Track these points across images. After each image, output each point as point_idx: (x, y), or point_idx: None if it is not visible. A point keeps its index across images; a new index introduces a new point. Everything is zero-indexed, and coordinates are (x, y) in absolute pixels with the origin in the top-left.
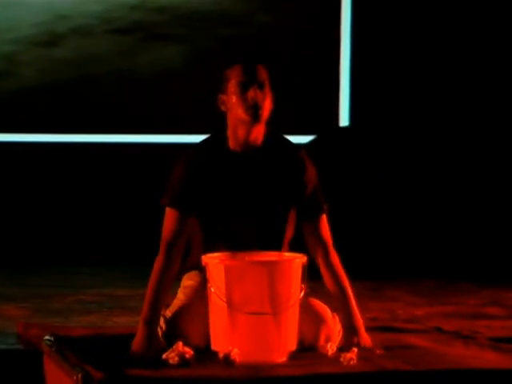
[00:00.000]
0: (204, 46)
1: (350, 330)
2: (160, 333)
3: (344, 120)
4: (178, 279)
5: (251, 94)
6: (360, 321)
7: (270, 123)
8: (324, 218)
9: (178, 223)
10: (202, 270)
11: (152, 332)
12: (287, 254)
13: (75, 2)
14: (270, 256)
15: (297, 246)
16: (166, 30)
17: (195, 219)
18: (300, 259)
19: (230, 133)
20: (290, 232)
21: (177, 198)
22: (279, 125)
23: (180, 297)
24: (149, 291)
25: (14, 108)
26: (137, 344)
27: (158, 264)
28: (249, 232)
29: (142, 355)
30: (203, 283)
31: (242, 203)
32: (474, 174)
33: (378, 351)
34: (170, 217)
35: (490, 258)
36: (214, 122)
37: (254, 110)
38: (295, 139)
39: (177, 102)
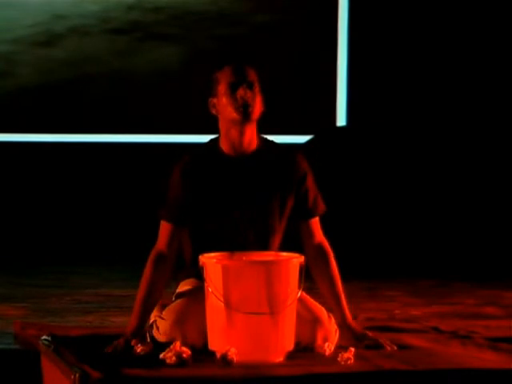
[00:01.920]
0: (201, 46)
1: (347, 329)
2: (157, 333)
3: (341, 120)
4: (176, 285)
5: (241, 92)
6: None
7: (268, 124)
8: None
9: (172, 235)
10: (198, 277)
11: (129, 340)
12: (284, 254)
13: (73, 2)
14: (267, 256)
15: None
16: (163, 30)
17: (190, 228)
18: (297, 259)
19: (222, 136)
20: (279, 236)
21: (171, 212)
22: (277, 125)
23: (177, 299)
24: (136, 303)
25: (11, 108)
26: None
27: (147, 272)
28: (246, 234)
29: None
30: (200, 287)
31: (238, 207)
32: (471, 174)
33: (388, 346)
34: (164, 229)
35: (487, 258)
36: (210, 123)
37: (243, 109)
38: (292, 139)
39: (174, 102)
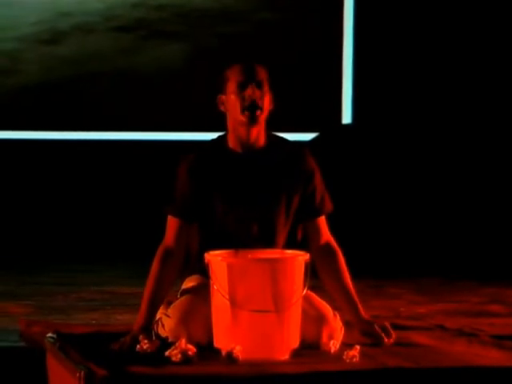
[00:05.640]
0: (206, 43)
1: (366, 324)
2: (162, 331)
3: (346, 117)
4: (181, 281)
5: (249, 92)
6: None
7: (273, 122)
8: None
9: (180, 231)
10: (203, 274)
11: (136, 338)
12: (290, 252)
13: None
14: (272, 254)
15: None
16: (167, 28)
17: (196, 224)
18: (303, 257)
19: (230, 133)
20: (284, 233)
21: (179, 207)
22: (282, 123)
23: (182, 296)
24: (144, 300)
25: (16, 105)
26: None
27: (154, 268)
28: (252, 231)
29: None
30: (205, 284)
31: (244, 203)
32: (477, 172)
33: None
34: (172, 224)
35: (491, 256)
36: (214, 120)
37: (251, 109)
38: (298, 137)
39: (178, 100)
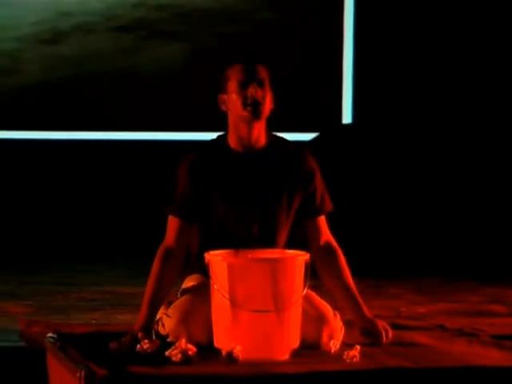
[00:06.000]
0: (206, 43)
1: (369, 322)
2: (163, 330)
3: (347, 117)
4: (181, 281)
5: (251, 91)
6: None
7: (273, 122)
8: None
9: (181, 231)
10: (203, 273)
11: (136, 337)
12: (290, 252)
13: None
14: (272, 254)
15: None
16: (167, 28)
17: (196, 224)
18: (303, 257)
19: (231, 133)
20: (285, 233)
21: (179, 207)
22: (282, 123)
23: (182, 296)
24: (144, 300)
25: (17, 105)
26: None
27: (155, 268)
28: (252, 230)
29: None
30: (205, 283)
31: (245, 203)
32: (476, 171)
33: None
34: (172, 224)
35: (492, 256)
36: (215, 120)
37: (253, 107)
38: (298, 137)
39: (178, 100)
